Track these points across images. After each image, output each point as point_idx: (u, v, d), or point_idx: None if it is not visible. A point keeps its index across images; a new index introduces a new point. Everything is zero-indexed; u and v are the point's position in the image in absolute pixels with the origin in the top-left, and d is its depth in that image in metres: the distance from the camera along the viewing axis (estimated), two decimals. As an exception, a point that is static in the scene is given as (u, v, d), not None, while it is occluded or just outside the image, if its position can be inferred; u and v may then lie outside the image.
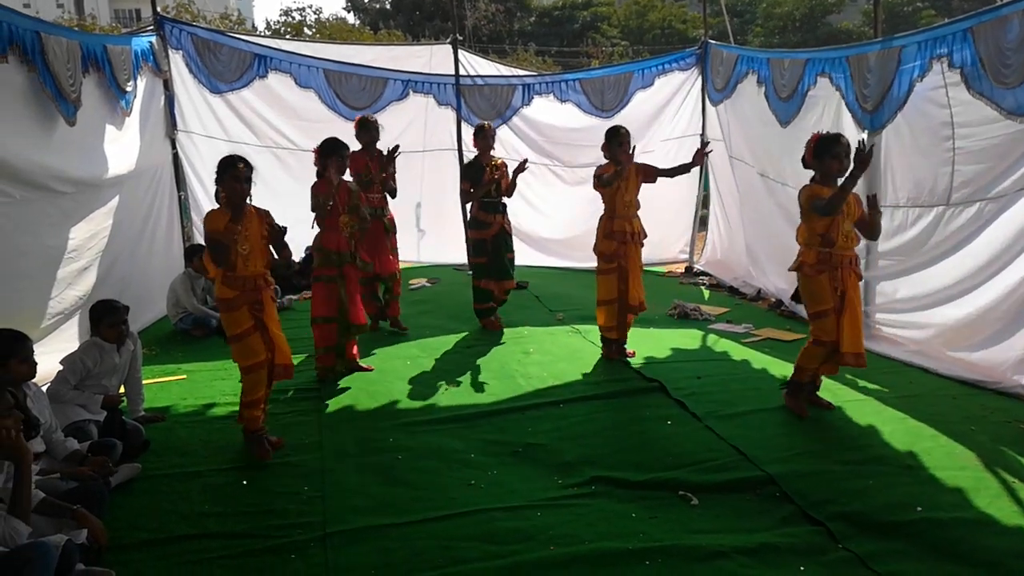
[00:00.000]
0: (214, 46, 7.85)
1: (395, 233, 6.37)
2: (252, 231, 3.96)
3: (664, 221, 8.94)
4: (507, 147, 8.68)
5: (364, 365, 5.39)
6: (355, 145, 6.18)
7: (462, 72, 8.83)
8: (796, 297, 4.62)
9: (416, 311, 7.09)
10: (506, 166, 6.22)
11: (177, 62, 7.67)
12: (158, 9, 7.67)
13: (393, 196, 6.22)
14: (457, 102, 8.82)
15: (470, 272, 6.66)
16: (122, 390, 4.43)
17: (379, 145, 6.27)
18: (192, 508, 3.50)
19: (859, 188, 5.53)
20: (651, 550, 3.07)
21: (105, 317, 4.23)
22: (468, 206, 6.87)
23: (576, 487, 3.68)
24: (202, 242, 6.16)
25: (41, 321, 4.96)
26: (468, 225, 6.50)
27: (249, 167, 3.95)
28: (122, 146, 6.18)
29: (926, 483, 3.61)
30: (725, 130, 8.42)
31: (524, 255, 8.97)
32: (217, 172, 3.95)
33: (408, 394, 4.95)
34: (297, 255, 5.31)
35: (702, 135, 8.98)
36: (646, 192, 5.58)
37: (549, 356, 5.66)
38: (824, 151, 4.23)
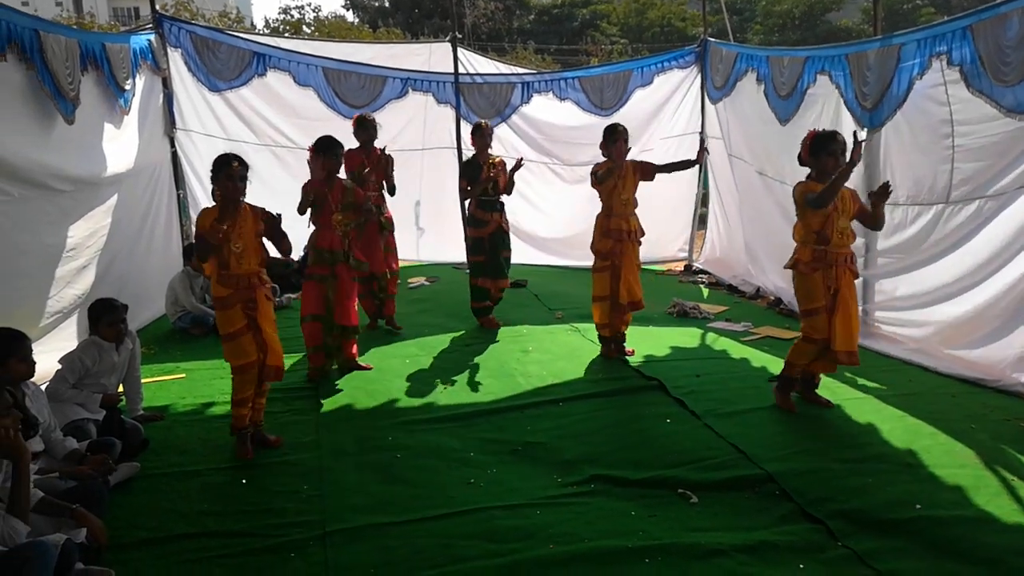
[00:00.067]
0: (213, 44, 7.85)
1: (392, 231, 6.36)
2: (246, 229, 3.96)
3: (663, 219, 8.94)
4: (506, 145, 8.68)
5: (363, 364, 5.39)
6: (354, 143, 6.20)
7: (461, 70, 8.82)
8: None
9: (415, 310, 7.09)
10: (504, 164, 6.22)
11: (176, 60, 7.66)
12: (157, 7, 7.66)
13: (392, 194, 6.22)
14: (456, 100, 8.81)
15: (468, 271, 6.66)
16: (121, 389, 4.43)
17: (378, 143, 6.27)
18: (191, 507, 3.50)
19: (859, 186, 5.58)
20: (650, 548, 3.07)
21: (104, 316, 4.22)
22: (467, 204, 6.87)
23: (575, 485, 3.68)
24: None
25: (40, 320, 4.96)
26: (466, 223, 6.50)
27: (244, 166, 3.96)
28: (121, 144, 6.18)
29: (925, 481, 3.61)
30: (724, 128, 8.42)
31: (523, 253, 9.00)
32: (212, 170, 3.96)
33: (407, 393, 4.95)
34: (296, 253, 5.30)
35: (701, 133, 8.97)
36: (645, 190, 5.58)
37: (548, 354, 5.66)
38: (820, 148, 4.23)
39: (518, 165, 6.03)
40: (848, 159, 3.99)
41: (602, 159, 5.44)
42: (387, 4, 31.06)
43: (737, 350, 5.77)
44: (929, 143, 5.37)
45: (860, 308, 6.07)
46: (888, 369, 5.29)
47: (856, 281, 5.85)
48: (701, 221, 9.64)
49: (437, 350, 5.85)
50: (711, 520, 3.34)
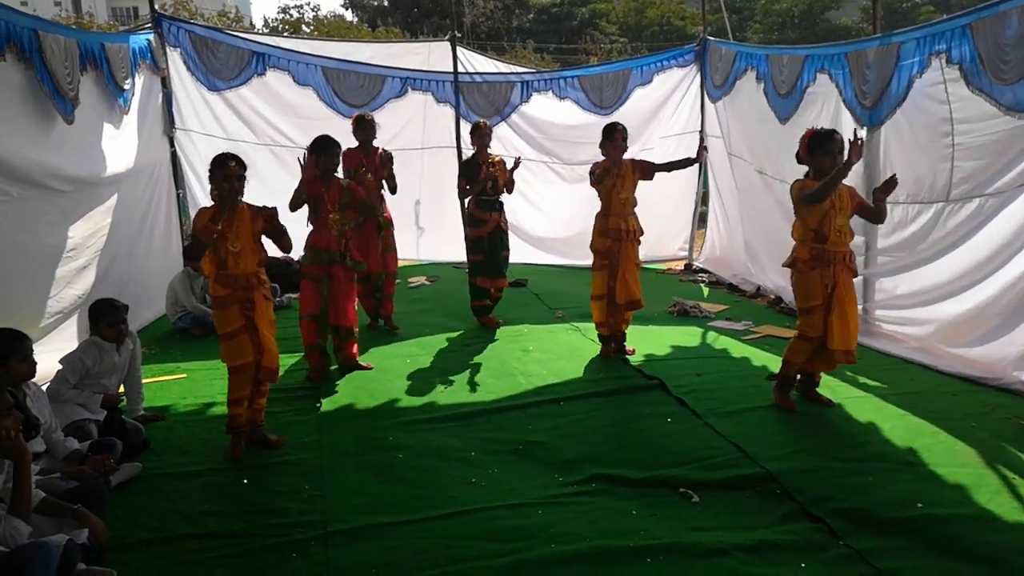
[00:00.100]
0: (212, 44, 7.84)
1: (391, 231, 6.35)
2: (243, 229, 3.95)
3: (663, 218, 8.94)
4: (506, 144, 8.68)
5: (363, 364, 5.39)
6: (354, 142, 6.20)
7: (460, 69, 8.81)
8: None
9: (415, 309, 7.09)
10: (503, 163, 6.22)
11: (175, 60, 7.66)
12: (156, 7, 7.65)
13: (394, 192, 6.20)
14: (456, 99, 8.80)
15: (467, 270, 6.66)
16: (122, 389, 4.43)
17: (376, 143, 6.27)
18: (192, 507, 3.50)
19: (858, 185, 5.58)
20: (652, 547, 3.07)
21: (104, 316, 4.22)
22: (466, 203, 6.87)
23: (576, 485, 3.68)
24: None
25: (40, 320, 4.96)
26: (465, 222, 6.50)
27: (241, 166, 3.96)
28: (120, 144, 6.17)
29: (926, 479, 3.61)
30: (724, 127, 8.41)
31: (523, 253, 9.00)
32: (210, 170, 3.97)
33: (408, 392, 4.95)
34: (297, 253, 5.30)
35: (701, 132, 8.97)
36: (645, 189, 5.58)
37: (549, 354, 5.66)
38: (818, 147, 4.23)
39: (516, 164, 6.04)
40: (847, 158, 3.98)
41: (602, 158, 5.45)
42: (386, 3, 31.06)
43: (738, 349, 5.77)
44: (929, 141, 5.37)
45: (860, 307, 6.09)
46: (889, 368, 5.29)
47: (856, 280, 5.87)
48: (701, 220, 9.64)
49: (438, 350, 5.85)
50: (712, 519, 3.34)
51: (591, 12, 31.12)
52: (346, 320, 5.21)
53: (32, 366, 3.42)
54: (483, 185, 6.13)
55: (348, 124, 6.39)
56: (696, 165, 5.87)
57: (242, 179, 3.95)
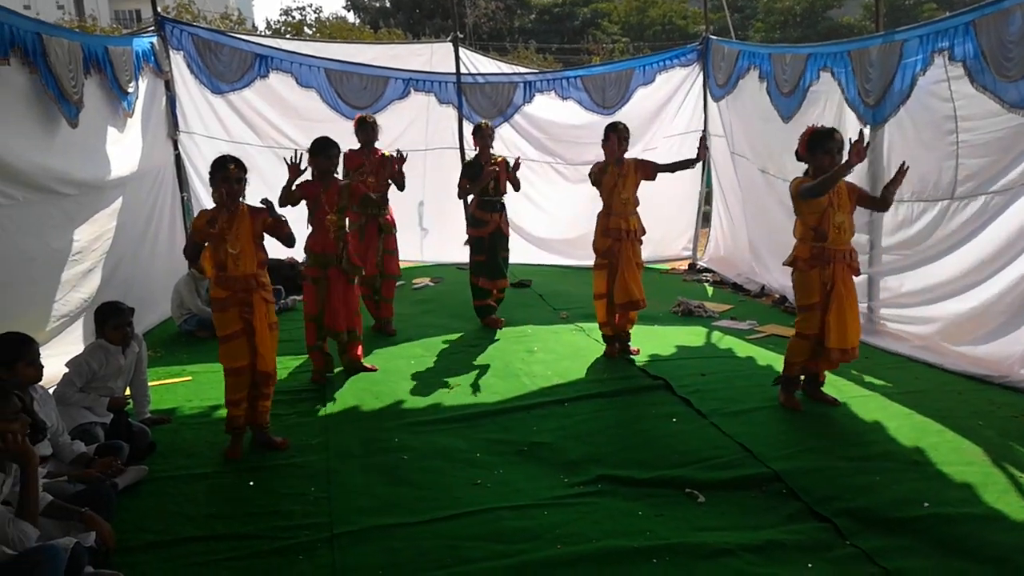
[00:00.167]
0: (215, 46, 7.85)
1: (392, 234, 6.35)
2: (243, 231, 3.96)
3: (667, 218, 8.94)
4: (509, 145, 8.67)
5: (368, 365, 5.40)
6: (356, 144, 6.21)
7: (463, 70, 8.82)
8: None
9: (419, 310, 7.10)
10: (506, 163, 6.22)
11: (178, 62, 7.67)
12: (158, 10, 7.66)
13: (401, 189, 6.15)
14: (458, 100, 8.81)
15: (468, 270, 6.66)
16: (128, 392, 4.44)
17: (380, 144, 6.28)
18: (199, 510, 3.51)
19: (862, 182, 5.57)
20: (657, 548, 3.07)
21: (110, 319, 4.24)
22: (469, 202, 6.87)
23: (582, 486, 3.68)
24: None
25: (46, 324, 4.97)
26: (467, 223, 6.51)
27: (241, 168, 3.97)
28: (124, 147, 6.19)
29: (933, 479, 3.61)
30: (727, 126, 8.40)
31: (527, 253, 9.00)
32: (210, 173, 3.99)
33: (412, 394, 4.96)
34: (301, 255, 5.31)
35: (704, 131, 8.96)
36: (648, 189, 5.58)
37: (553, 354, 5.66)
38: (817, 145, 4.22)
39: (517, 165, 6.04)
40: (847, 158, 3.96)
41: (603, 158, 5.45)
42: (388, 4, 31.07)
43: (742, 348, 5.77)
44: (933, 139, 5.36)
45: (865, 305, 6.09)
46: (894, 366, 5.28)
47: (861, 278, 5.85)
48: (705, 219, 9.63)
49: (442, 351, 5.86)
50: (718, 519, 3.34)
51: (593, 12, 31.10)
52: (342, 324, 5.18)
53: (39, 370, 3.43)
54: (484, 184, 6.13)
55: (351, 126, 6.40)
56: (699, 164, 5.85)
57: (241, 181, 3.97)
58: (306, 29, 24.66)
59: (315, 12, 28.43)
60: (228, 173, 3.91)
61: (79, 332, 5.34)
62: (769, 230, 7.49)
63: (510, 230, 6.61)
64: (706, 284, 8.40)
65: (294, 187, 4.78)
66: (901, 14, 26.60)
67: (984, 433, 4.04)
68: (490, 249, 6.31)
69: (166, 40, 7.44)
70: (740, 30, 26.69)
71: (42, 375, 3.47)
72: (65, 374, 4.11)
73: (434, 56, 9.01)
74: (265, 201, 4.03)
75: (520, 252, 8.63)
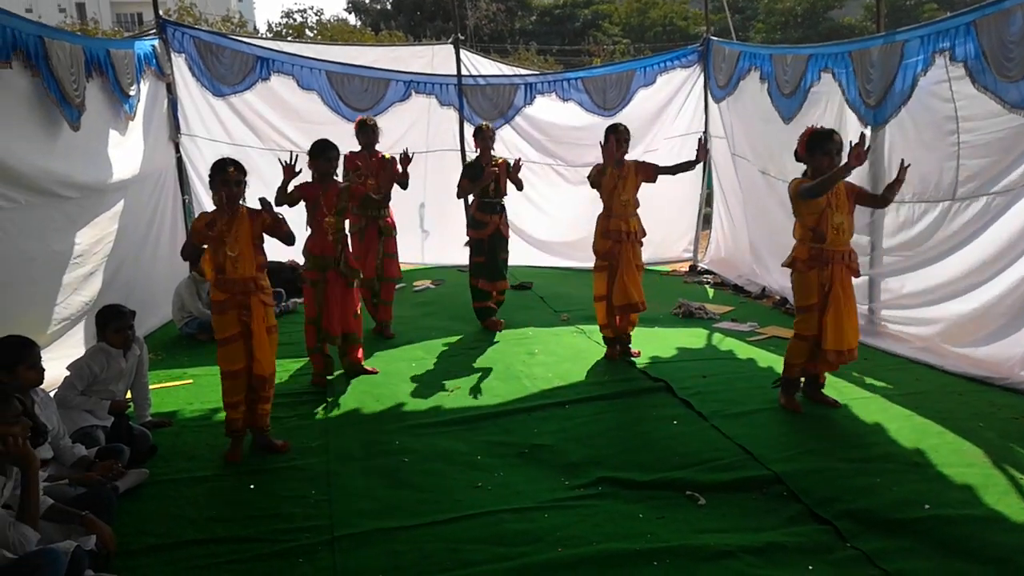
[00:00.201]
0: (216, 49, 7.86)
1: (392, 237, 6.35)
2: (243, 234, 3.97)
3: (667, 220, 8.94)
4: (510, 147, 8.68)
5: (368, 368, 5.40)
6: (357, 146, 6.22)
7: (464, 72, 8.82)
8: None
9: (420, 313, 7.10)
10: (507, 165, 6.23)
11: (180, 65, 7.68)
12: (160, 12, 7.67)
13: (404, 187, 6.12)
14: (459, 102, 8.81)
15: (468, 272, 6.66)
16: (129, 395, 4.45)
17: (381, 147, 6.28)
18: (200, 513, 3.51)
19: (863, 183, 5.56)
20: (658, 550, 3.07)
21: (111, 322, 4.24)
22: (470, 203, 6.87)
23: (583, 488, 3.68)
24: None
25: (48, 327, 4.98)
26: (467, 225, 6.51)
27: (240, 171, 3.98)
28: (126, 150, 6.19)
29: (933, 480, 3.60)
30: (727, 127, 8.40)
31: (528, 255, 9.00)
32: (209, 176, 4.00)
33: (413, 396, 4.96)
34: (300, 258, 5.31)
35: (704, 132, 8.96)
36: (649, 191, 5.58)
37: (554, 357, 5.66)
38: (816, 146, 4.21)
39: (517, 166, 6.06)
40: (846, 161, 3.95)
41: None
42: (389, 7, 31.13)
43: (743, 350, 5.76)
44: (934, 140, 5.35)
45: (866, 307, 6.08)
46: (895, 368, 5.28)
47: (862, 279, 5.85)
48: (706, 221, 9.63)
49: (443, 353, 5.86)
50: (719, 521, 3.34)
51: (594, 13, 31.14)
52: (336, 327, 5.17)
53: (40, 373, 3.44)
54: (484, 185, 6.14)
55: (352, 128, 6.41)
56: (700, 166, 5.85)
57: (241, 184, 3.98)
58: (307, 31, 24.71)
59: (316, 14, 28.49)
60: (227, 176, 3.92)
61: (80, 335, 5.34)
62: (770, 232, 7.49)
63: (511, 232, 6.61)
64: (707, 286, 8.40)
65: (291, 188, 4.77)
66: (902, 14, 26.60)
67: (985, 435, 4.03)
68: (490, 251, 6.32)
69: (168, 43, 7.45)
70: (741, 31, 26.70)
71: (43, 378, 3.47)
72: (66, 377, 4.11)
73: (435, 58, 9.02)
74: (262, 200, 4.03)
75: (521, 254, 8.63)
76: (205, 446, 4.26)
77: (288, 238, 4.17)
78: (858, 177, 5.20)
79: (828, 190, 4.12)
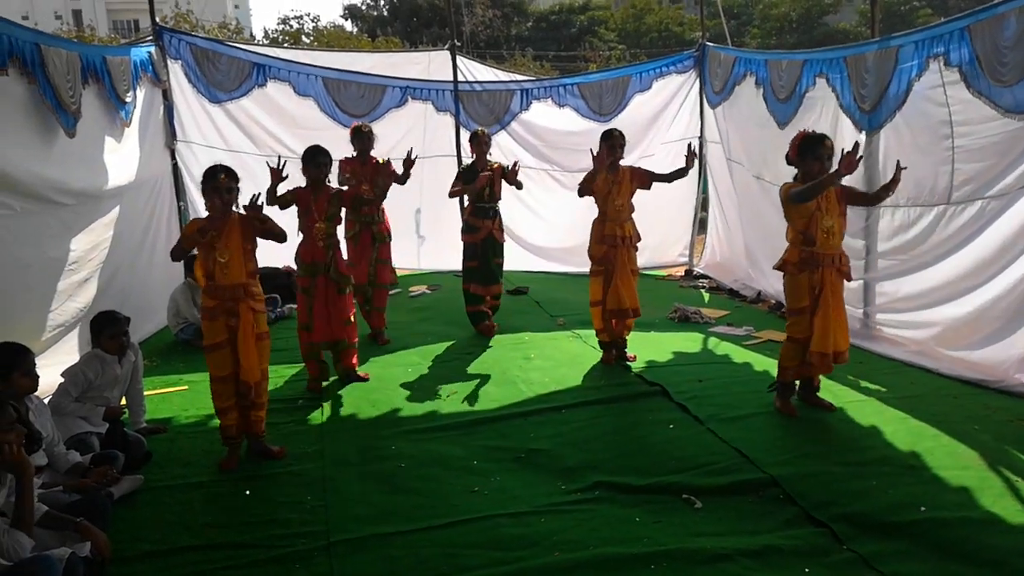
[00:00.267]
0: (213, 55, 7.87)
1: (386, 243, 6.34)
2: (234, 239, 3.96)
3: (663, 224, 8.95)
4: (506, 152, 8.69)
5: (361, 374, 5.38)
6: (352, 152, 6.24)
7: (460, 78, 8.85)
8: None
9: (416, 318, 7.10)
10: (502, 169, 6.25)
11: (176, 72, 7.69)
12: (156, 19, 7.69)
13: (402, 183, 6.11)
14: (456, 108, 8.83)
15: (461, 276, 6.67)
16: (123, 402, 4.43)
17: (377, 153, 6.29)
18: (195, 519, 3.50)
19: (858, 187, 5.57)
20: (655, 554, 3.07)
21: (106, 328, 4.23)
22: (465, 204, 6.87)
23: (579, 492, 3.68)
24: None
25: (42, 334, 4.97)
26: (461, 229, 6.53)
27: (233, 178, 3.99)
28: (122, 157, 6.20)
29: (929, 483, 3.61)
30: (723, 133, 8.43)
31: (524, 260, 9.00)
32: (201, 183, 4.02)
33: (409, 401, 4.95)
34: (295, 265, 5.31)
35: (700, 138, 8.98)
36: (645, 196, 5.59)
37: (550, 361, 5.67)
38: (807, 151, 4.24)
39: (515, 170, 6.07)
40: (836, 168, 3.96)
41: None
42: (385, 13, 31.18)
43: (739, 354, 5.77)
44: (929, 144, 5.37)
45: (861, 310, 6.10)
46: (890, 371, 5.28)
47: (857, 283, 5.86)
48: (701, 226, 9.64)
49: (439, 358, 5.85)
50: (716, 525, 3.34)
51: (589, 19, 31.22)
52: (321, 335, 5.15)
53: (35, 379, 3.43)
54: (479, 190, 6.15)
55: (348, 134, 6.42)
56: (695, 171, 5.86)
57: (232, 191, 3.98)
58: (304, 38, 24.74)
59: (313, 21, 28.56)
60: (218, 183, 3.92)
61: (75, 342, 5.33)
62: (765, 236, 7.50)
63: (506, 237, 6.62)
64: (702, 290, 8.41)
65: (285, 191, 4.78)
66: (896, 20, 26.72)
67: (980, 437, 4.04)
68: (483, 255, 6.33)
69: (164, 49, 7.46)
70: (736, 37, 26.81)
71: (38, 385, 3.46)
72: (61, 384, 4.10)
73: (431, 64, 9.05)
74: (251, 202, 3.98)
75: (517, 259, 8.64)
76: (200, 452, 4.25)
77: (280, 237, 4.17)
78: (853, 182, 5.21)
79: (817, 195, 4.14)
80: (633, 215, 5.51)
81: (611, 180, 5.39)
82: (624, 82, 8.92)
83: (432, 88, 8.78)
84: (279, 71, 8.18)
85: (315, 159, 5.07)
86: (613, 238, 5.39)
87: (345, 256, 5.57)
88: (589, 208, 5.69)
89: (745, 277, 8.20)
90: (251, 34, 29.79)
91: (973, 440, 4.00)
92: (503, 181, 6.31)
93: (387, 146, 7.53)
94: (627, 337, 5.65)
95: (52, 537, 2.93)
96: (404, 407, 4.86)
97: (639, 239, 5.53)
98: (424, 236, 9.31)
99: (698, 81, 8.94)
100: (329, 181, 5.22)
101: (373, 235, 6.19)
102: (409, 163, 5.76)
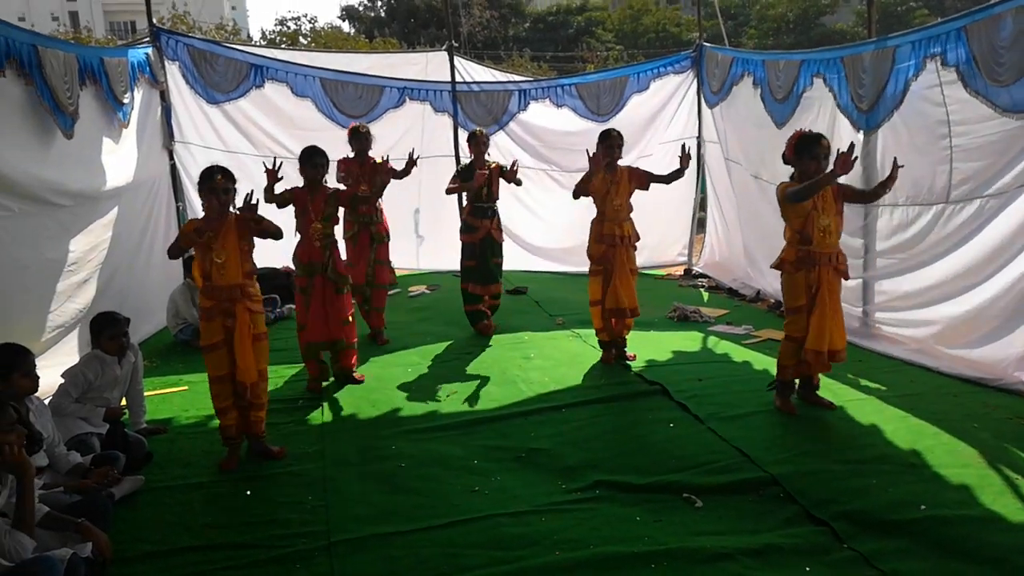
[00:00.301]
0: (210, 56, 7.87)
1: (384, 243, 6.34)
2: (230, 240, 3.96)
3: (662, 224, 8.96)
4: (504, 153, 8.69)
5: (357, 375, 5.37)
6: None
7: (458, 78, 8.85)
8: None
9: (415, 318, 7.10)
10: (500, 169, 6.25)
11: (174, 73, 7.69)
12: (153, 20, 7.68)
13: (400, 179, 6.12)
14: (454, 108, 8.84)
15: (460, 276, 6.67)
16: (124, 402, 4.43)
17: (375, 153, 6.29)
18: (196, 519, 3.50)
19: (857, 185, 5.58)
20: (656, 553, 3.07)
21: (106, 329, 4.23)
22: (463, 203, 6.88)
23: (580, 491, 3.68)
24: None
25: (42, 335, 4.96)
26: (460, 229, 6.54)
27: (229, 178, 3.98)
28: (120, 158, 6.19)
29: (929, 481, 3.61)
30: (721, 132, 8.44)
31: (523, 260, 9.00)
32: (198, 184, 4.02)
33: (409, 401, 4.95)
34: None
35: (698, 138, 9.00)
36: (643, 195, 5.59)
37: (550, 361, 5.67)
38: (804, 150, 4.25)
39: (514, 169, 6.07)
40: (832, 168, 3.97)
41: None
42: (383, 14, 31.19)
43: (739, 353, 5.78)
44: (927, 143, 5.38)
45: (861, 309, 6.11)
46: (889, 370, 5.29)
47: (856, 282, 5.87)
48: (700, 225, 9.66)
49: (438, 358, 5.86)
50: (716, 524, 3.34)
51: (587, 20, 31.27)
52: (321, 334, 5.15)
53: (35, 380, 3.42)
54: (476, 189, 6.16)
55: (346, 135, 6.42)
56: (694, 171, 5.87)
57: (229, 192, 3.97)
58: (301, 39, 24.73)
59: (310, 22, 28.52)
60: (215, 184, 3.92)
61: (75, 343, 5.33)
62: (763, 235, 7.51)
63: (505, 237, 6.62)
64: (702, 289, 8.42)
65: (283, 190, 4.78)
66: (893, 20, 26.78)
67: (980, 435, 4.05)
68: (481, 255, 6.33)
69: (161, 51, 7.46)
70: (734, 37, 26.84)
71: (38, 386, 3.46)
72: (61, 385, 4.10)
73: (429, 65, 9.05)
74: (245, 202, 3.94)
75: (516, 259, 8.64)
76: (201, 452, 4.24)
77: (276, 234, 4.16)
78: (851, 182, 5.21)
79: (813, 195, 4.15)
80: (632, 215, 5.51)
81: (609, 180, 5.39)
82: (622, 82, 8.93)
83: (430, 89, 8.78)
84: (277, 72, 8.18)
85: (312, 159, 5.07)
86: (612, 238, 5.39)
87: (344, 256, 5.57)
88: (588, 208, 5.70)
89: (744, 276, 8.21)
90: (248, 35, 29.81)
91: (973, 438, 4.01)
92: (502, 180, 6.32)
93: (385, 146, 7.49)
94: (627, 336, 5.65)
95: (53, 538, 2.93)
96: (404, 407, 4.86)
97: (638, 239, 5.54)
98: (423, 236, 9.31)
99: (695, 81, 8.96)
100: (327, 182, 5.22)
101: (371, 235, 6.20)
102: (411, 163, 5.76)
